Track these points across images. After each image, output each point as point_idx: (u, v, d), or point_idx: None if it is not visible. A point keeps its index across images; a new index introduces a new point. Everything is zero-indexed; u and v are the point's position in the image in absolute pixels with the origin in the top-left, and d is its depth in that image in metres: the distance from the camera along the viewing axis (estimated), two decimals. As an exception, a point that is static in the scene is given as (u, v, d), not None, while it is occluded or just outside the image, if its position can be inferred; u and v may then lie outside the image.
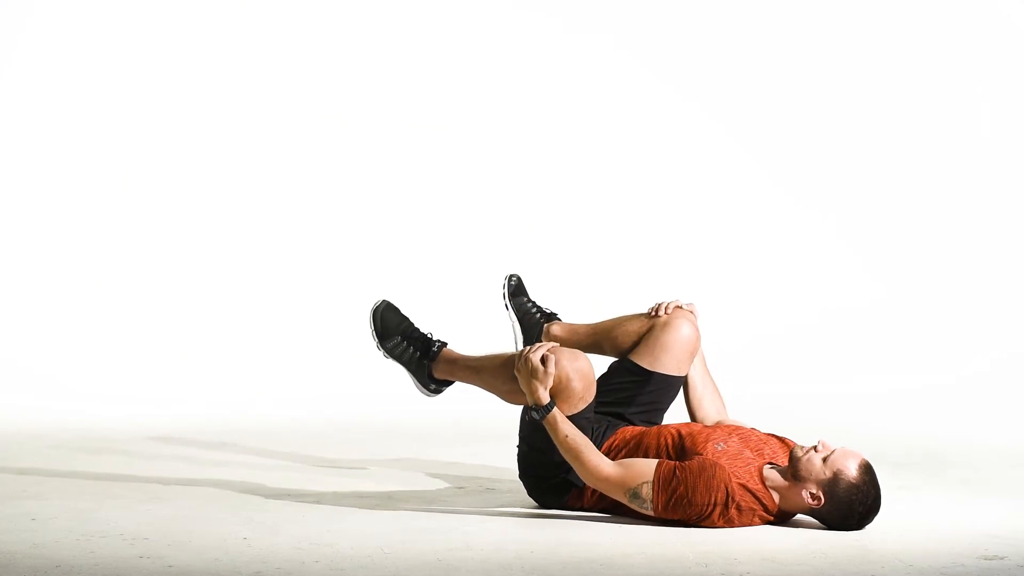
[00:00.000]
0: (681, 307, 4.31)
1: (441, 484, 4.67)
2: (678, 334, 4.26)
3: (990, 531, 3.93)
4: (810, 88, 7.27)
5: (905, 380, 6.73)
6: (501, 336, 4.73)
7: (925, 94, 7.30)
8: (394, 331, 4.38)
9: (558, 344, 4.10)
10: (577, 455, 3.97)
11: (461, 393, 6.31)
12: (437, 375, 4.39)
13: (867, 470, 3.86)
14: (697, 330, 4.29)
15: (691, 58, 7.24)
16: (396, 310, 4.40)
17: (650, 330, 4.29)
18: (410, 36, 7.08)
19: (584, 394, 4.06)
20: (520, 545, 3.75)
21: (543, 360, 4.01)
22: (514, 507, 4.25)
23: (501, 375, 4.20)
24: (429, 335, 4.40)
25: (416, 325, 4.41)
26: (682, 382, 4.32)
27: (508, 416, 4.96)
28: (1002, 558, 3.63)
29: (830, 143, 7.27)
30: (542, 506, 4.22)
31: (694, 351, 4.30)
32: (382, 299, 4.41)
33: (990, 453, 5.33)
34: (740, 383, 5.19)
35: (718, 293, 6.95)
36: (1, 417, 5.90)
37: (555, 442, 4.01)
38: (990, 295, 7.15)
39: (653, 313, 4.31)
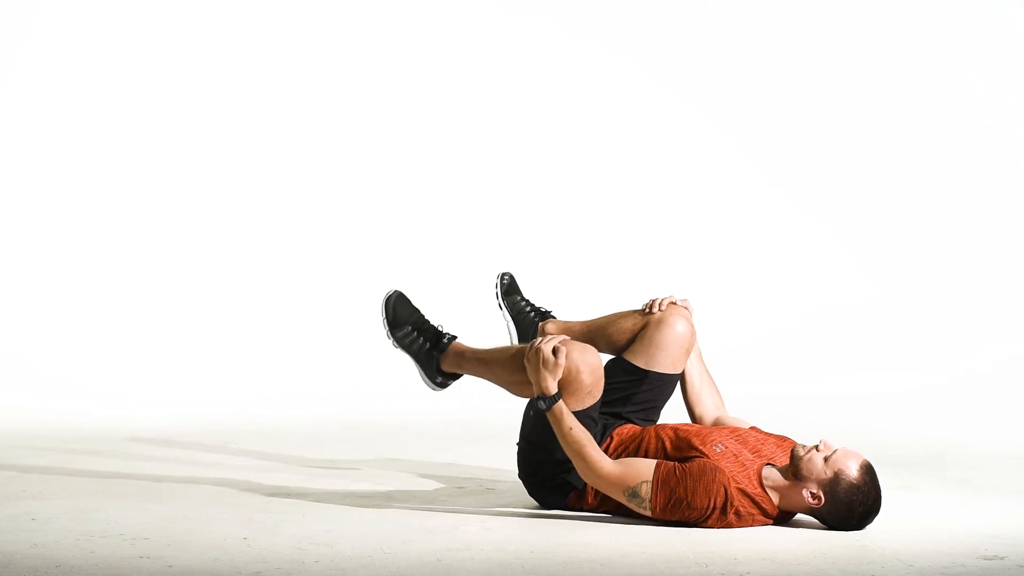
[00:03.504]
0: (675, 303, 4.30)
1: (441, 484, 4.67)
2: (672, 331, 4.25)
3: (990, 531, 3.93)
4: (809, 88, 7.27)
5: (905, 380, 6.73)
6: (496, 335, 4.73)
7: (924, 94, 7.30)
8: (405, 321, 4.37)
9: (569, 338, 4.09)
10: (580, 449, 3.96)
11: (461, 393, 6.33)
12: (445, 368, 4.36)
13: (868, 470, 3.86)
14: (692, 326, 4.27)
15: (688, 56, 7.24)
16: (408, 301, 4.39)
17: (644, 327, 4.27)
18: (408, 36, 7.08)
19: (592, 389, 4.04)
20: (520, 545, 3.75)
21: (554, 351, 4.01)
22: (514, 507, 4.25)
23: (509, 366, 4.18)
24: (439, 327, 4.39)
25: (427, 317, 4.39)
26: (678, 379, 4.31)
27: (508, 416, 4.97)
28: (1002, 558, 3.63)
29: (829, 143, 7.27)
30: (543, 506, 4.22)
31: (689, 348, 4.28)
32: (395, 289, 4.40)
33: (990, 453, 5.33)
34: (740, 383, 5.19)
35: (717, 293, 6.95)
36: (1, 417, 5.90)
37: (558, 435, 3.99)
38: (990, 295, 7.16)
39: (647, 310, 4.30)
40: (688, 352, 4.28)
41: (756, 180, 7.25)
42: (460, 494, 4.49)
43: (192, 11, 6.92)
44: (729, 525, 3.90)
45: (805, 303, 7.10)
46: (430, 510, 4.21)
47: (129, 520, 3.98)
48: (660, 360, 4.24)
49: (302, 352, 6.68)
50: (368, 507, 4.23)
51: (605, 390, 4.23)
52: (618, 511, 4.08)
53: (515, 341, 4.53)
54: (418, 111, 7.06)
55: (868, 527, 3.89)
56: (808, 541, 3.79)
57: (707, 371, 4.36)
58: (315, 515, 4.09)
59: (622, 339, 4.32)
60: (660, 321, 4.25)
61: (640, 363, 4.24)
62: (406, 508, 4.23)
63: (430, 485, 4.66)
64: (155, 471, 4.85)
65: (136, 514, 4.07)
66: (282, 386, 6.47)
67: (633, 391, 4.24)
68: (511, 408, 4.95)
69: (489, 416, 5.95)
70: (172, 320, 6.69)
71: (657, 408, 4.29)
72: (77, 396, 6.24)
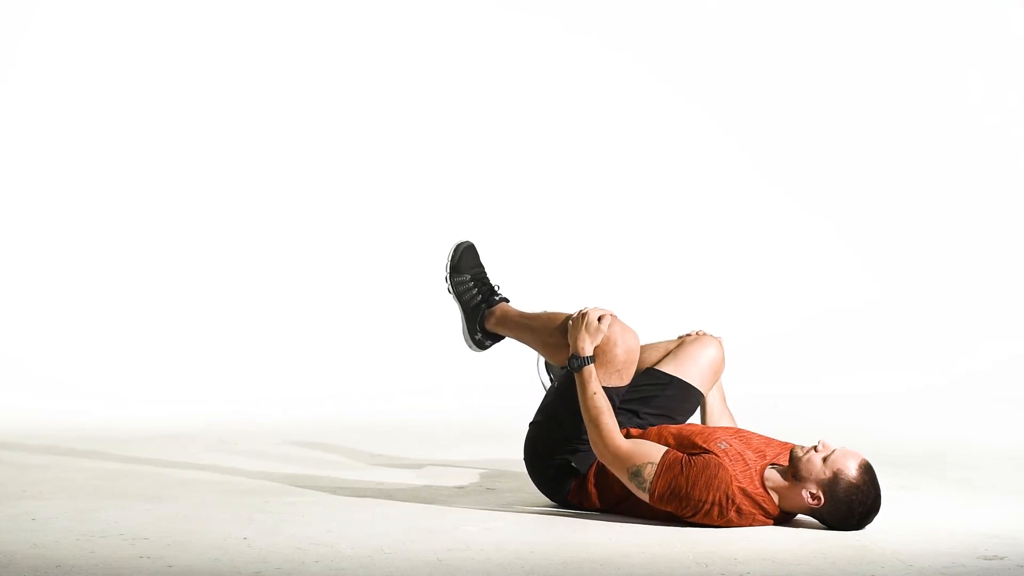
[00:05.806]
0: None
1: (441, 484, 4.67)
2: (708, 350, 4.36)
3: (990, 531, 3.93)
4: (809, 88, 7.27)
5: (905, 380, 6.73)
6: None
7: (924, 94, 7.30)
8: (467, 270, 4.52)
9: (616, 315, 4.20)
10: (597, 416, 4.03)
11: (461, 393, 6.34)
12: (488, 326, 4.49)
13: (867, 470, 3.86)
14: (723, 355, 4.37)
15: (689, 58, 7.24)
16: (476, 254, 4.54)
17: (679, 345, 4.38)
18: (408, 36, 7.08)
19: (622, 368, 4.14)
20: (520, 545, 3.75)
21: (600, 319, 4.13)
22: (514, 507, 4.25)
23: (549, 329, 4.30)
24: (496, 287, 4.52)
25: (488, 276, 4.53)
26: (700, 399, 4.37)
27: (508, 416, 4.98)
28: (1002, 558, 3.63)
29: (829, 143, 7.27)
30: (543, 492, 4.22)
31: (718, 372, 4.38)
32: (468, 240, 4.55)
33: (990, 453, 5.34)
34: (740, 383, 5.19)
35: (718, 293, 6.95)
36: (1, 417, 5.90)
37: (581, 399, 4.07)
38: (990, 295, 7.15)
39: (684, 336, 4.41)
40: (716, 375, 4.38)
41: (756, 180, 7.25)
42: (460, 494, 4.50)
43: (192, 11, 6.92)
44: (730, 523, 3.90)
45: (805, 303, 7.10)
46: (430, 510, 4.21)
47: (129, 520, 3.98)
48: (689, 372, 4.34)
49: (302, 352, 6.68)
50: (368, 507, 4.23)
51: (629, 390, 4.25)
52: (615, 510, 4.09)
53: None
54: (418, 111, 7.06)
55: (868, 527, 3.89)
56: (808, 541, 3.79)
57: (728, 410, 4.44)
58: (315, 515, 4.10)
59: (654, 356, 4.38)
60: (696, 340, 4.39)
61: (669, 370, 4.31)
62: (406, 508, 4.23)
63: (430, 485, 4.66)
64: (155, 471, 4.85)
65: (136, 514, 4.07)
66: (282, 386, 6.48)
67: (655, 394, 4.29)
68: (511, 408, 4.96)
69: (489, 416, 5.96)
70: (172, 320, 6.70)
71: (673, 421, 4.31)
72: (77, 396, 6.24)
